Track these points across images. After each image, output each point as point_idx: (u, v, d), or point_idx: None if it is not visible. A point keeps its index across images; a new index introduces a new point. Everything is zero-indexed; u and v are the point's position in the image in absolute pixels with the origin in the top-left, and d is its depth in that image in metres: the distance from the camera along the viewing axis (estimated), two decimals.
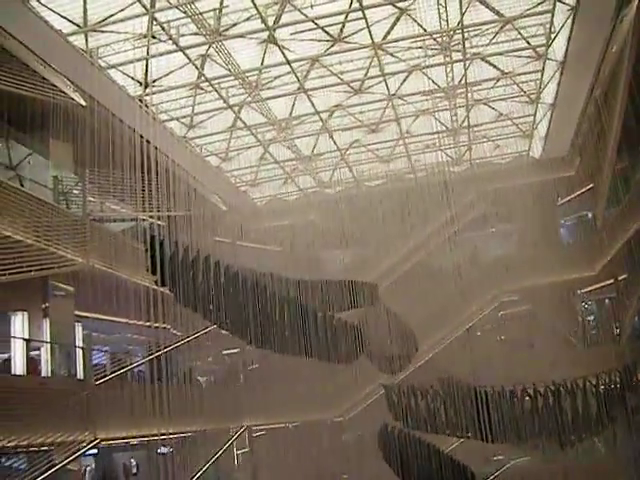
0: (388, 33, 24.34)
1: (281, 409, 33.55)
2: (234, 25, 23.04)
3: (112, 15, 22.47)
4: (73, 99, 24.79)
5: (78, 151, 25.70)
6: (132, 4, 22.10)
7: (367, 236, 36.14)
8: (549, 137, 33.52)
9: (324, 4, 22.31)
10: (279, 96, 27.78)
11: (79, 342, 27.16)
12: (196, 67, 24.45)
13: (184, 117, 29.11)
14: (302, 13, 22.49)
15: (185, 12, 21.73)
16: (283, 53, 23.84)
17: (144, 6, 21.17)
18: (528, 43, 25.88)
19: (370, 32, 23.25)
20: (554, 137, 33.16)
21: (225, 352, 37.96)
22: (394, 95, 28.14)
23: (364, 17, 22.36)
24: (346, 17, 23.56)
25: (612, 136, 27.68)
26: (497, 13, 23.91)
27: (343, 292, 24.04)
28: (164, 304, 26.37)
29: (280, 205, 38.02)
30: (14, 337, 24.04)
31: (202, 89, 26.79)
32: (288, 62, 24.35)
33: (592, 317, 40.67)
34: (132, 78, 25.29)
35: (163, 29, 22.28)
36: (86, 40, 23.35)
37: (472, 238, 38.81)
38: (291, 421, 35.70)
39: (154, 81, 25.86)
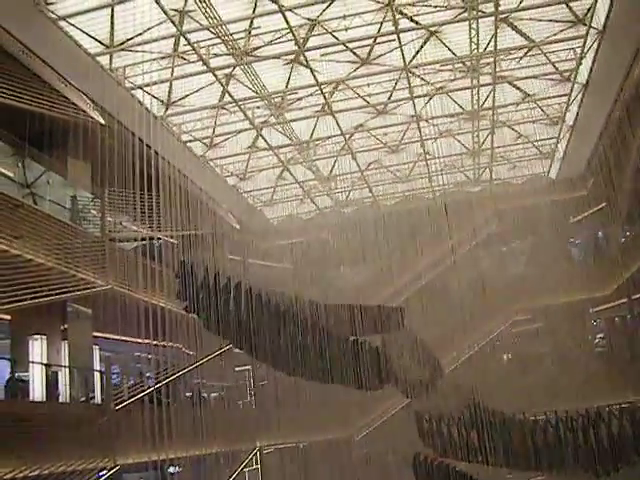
0: (416, 55, 24.11)
1: (293, 428, 33.21)
2: (262, 46, 22.71)
3: (139, 35, 22.12)
4: (92, 118, 24.35)
5: (96, 170, 25.41)
6: (159, 24, 21.80)
7: (380, 254, 35.89)
8: (566, 158, 33.43)
9: (357, 27, 22.00)
10: (303, 118, 27.45)
11: (97, 365, 26.77)
12: (224, 88, 24.20)
13: (205, 138, 28.74)
14: (334, 36, 22.25)
15: (216, 34, 21.35)
16: (314, 75, 23.57)
17: (176, 26, 20.76)
18: (555, 68, 25.81)
19: (403, 55, 23.00)
20: (571, 158, 33.10)
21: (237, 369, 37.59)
22: (417, 116, 27.86)
23: (398, 40, 22.11)
24: (374, 40, 23.38)
25: (632, 157, 27.65)
26: (526, 37, 23.75)
27: (370, 317, 23.72)
28: (175, 323, 26.34)
29: (294, 223, 37.80)
30: (33, 362, 23.50)
31: (225, 109, 26.44)
32: (318, 84, 24.09)
33: (601, 335, 40.51)
34: (155, 97, 24.93)
35: (194, 49, 21.97)
36: (110, 59, 22.97)
37: (485, 257, 38.68)
38: (304, 440, 35.29)
39: (176, 101, 25.57)
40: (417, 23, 22.27)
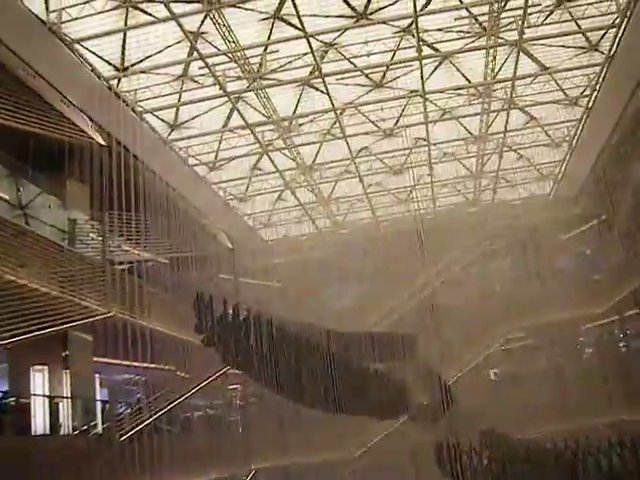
0: (427, 78, 23.91)
1: (288, 449, 32.66)
2: (277, 70, 22.32)
3: (148, 57, 21.54)
4: (92, 139, 23.61)
5: (96, 192, 24.73)
6: (168, 47, 21.25)
7: (376, 273, 35.75)
8: (564, 178, 33.71)
9: (377, 53, 21.72)
10: (310, 143, 27.30)
11: (98, 393, 26.03)
12: (238, 111, 23.68)
13: (210, 161, 28.26)
14: (350, 62, 22.01)
15: (233, 57, 20.88)
16: (330, 98, 23.19)
17: (196, 49, 20.22)
18: (565, 94, 25.85)
19: (423, 81, 22.77)
20: (569, 178, 33.31)
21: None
22: (428, 140, 27.74)
23: (421, 66, 21.86)
24: (387, 68, 23.16)
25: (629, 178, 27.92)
26: (540, 64, 23.74)
27: (385, 344, 23.44)
28: (169, 345, 25.78)
29: (289, 243, 37.53)
30: (35, 394, 22.61)
31: (232, 132, 25.97)
32: (333, 107, 23.71)
33: (590, 350, 40.83)
34: (162, 120, 24.32)
35: (211, 72, 21.49)
36: (118, 82, 22.30)
37: (478, 275, 38.78)
38: (300, 462, 34.76)
39: (183, 123, 25.05)
40: (437, 50, 22.08)
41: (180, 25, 18.95)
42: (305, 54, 21.27)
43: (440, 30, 21.24)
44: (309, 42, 20.14)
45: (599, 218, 34.53)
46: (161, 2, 18.18)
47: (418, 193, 33.22)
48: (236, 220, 33.42)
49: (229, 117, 25.32)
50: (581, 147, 30.02)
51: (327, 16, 20.38)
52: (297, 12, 18.55)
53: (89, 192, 25.46)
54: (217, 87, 22.75)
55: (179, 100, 23.90)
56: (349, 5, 20.18)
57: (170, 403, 27.52)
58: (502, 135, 28.14)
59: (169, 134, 25.46)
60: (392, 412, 21.61)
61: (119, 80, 22.25)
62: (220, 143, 27.01)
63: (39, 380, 23.01)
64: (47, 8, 18.96)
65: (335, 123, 26.12)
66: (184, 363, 29.82)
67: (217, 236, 33.05)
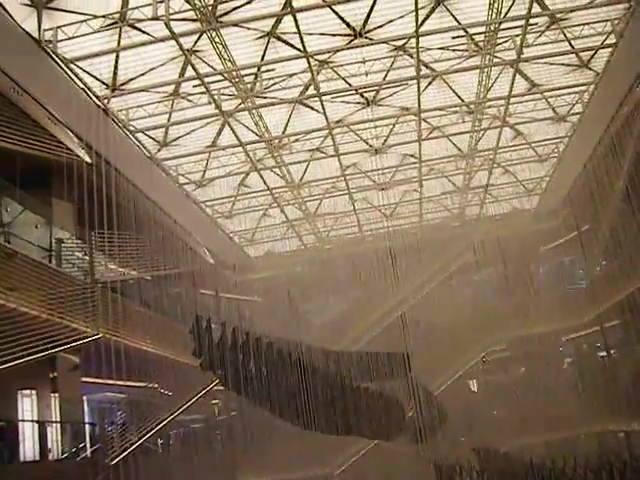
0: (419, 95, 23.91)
1: (272, 465, 32.37)
2: (271, 88, 22.16)
3: (141, 75, 21.21)
4: (79, 156, 23.14)
5: (82, 211, 24.29)
6: (161, 65, 20.95)
7: (356, 288, 35.76)
8: (548, 192, 34.06)
9: (373, 73, 21.72)
10: (299, 161, 27.14)
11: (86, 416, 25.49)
12: (231, 128, 23.36)
13: (199, 179, 28.06)
14: (346, 82, 21.96)
15: (228, 76, 20.67)
16: (326, 117, 23.03)
17: (193, 67, 19.97)
18: (555, 112, 26.13)
19: (419, 100, 22.77)
20: (552, 191, 33.61)
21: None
22: (419, 158, 27.84)
23: (418, 87, 21.88)
24: (381, 85, 23.14)
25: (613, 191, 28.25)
26: (531, 82, 23.93)
27: (379, 363, 23.32)
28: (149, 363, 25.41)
29: (272, 259, 37.41)
30: (23, 420, 21.99)
31: (221, 148, 25.73)
32: (329, 125, 23.57)
33: (569, 359, 41.23)
34: (152, 137, 23.94)
35: (207, 90, 21.29)
36: (108, 100, 21.89)
37: (459, 289, 39.04)
38: (285, 478, 34.44)
39: (172, 141, 24.71)
40: (433, 70, 22.12)
41: (180, 45, 18.64)
42: (303, 72, 21.07)
43: (440, 49, 21.24)
44: (309, 61, 20.00)
45: (579, 230, 34.96)
46: (158, 21, 17.87)
47: (404, 209, 33.31)
48: (220, 237, 33.11)
49: (219, 134, 25.07)
50: (565, 162, 30.38)
51: (322, 34, 20.24)
52: (299, 31, 18.35)
53: (73, 210, 25.19)
54: (208, 105, 22.58)
55: (169, 119, 23.51)
56: (346, 24, 20.07)
57: (157, 422, 27.12)
58: (491, 151, 28.20)
59: (158, 151, 25.06)
60: (392, 432, 21.45)
61: (108, 99, 21.78)
62: (208, 161, 26.68)
63: (27, 405, 22.43)
64: (39, 26, 18.50)
65: (324, 140, 26.04)
66: (167, 381, 29.48)
67: (198, 252, 32.77)
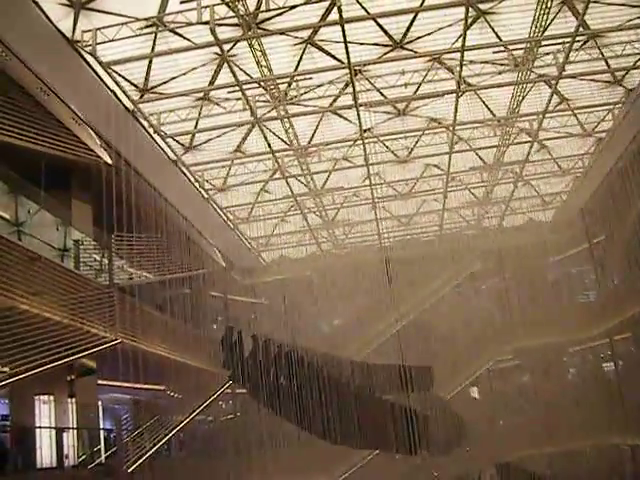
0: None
1: (273, 471, 32.07)
2: (301, 95, 21.84)
3: (173, 79, 20.81)
4: (100, 157, 22.74)
5: (101, 213, 23.91)
6: (193, 69, 20.56)
7: (366, 295, 35.56)
8: (565, 205, 34.20)
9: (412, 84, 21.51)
10: (328, 170, 26.79)
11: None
12: (264, 135, 22.95)
13: (218, 180, 27.74)
14: (379, 91, 21.75)
15: (263, 82, 20.34)
16: (361, 127, 22.75)
17: (234, 75, 19.62)
18: (583, 128, 25.94)
19: (455, 115, 22.50)
20: (569, 203, 33.66)
21: None
22: (434, 166, 27.65)
23: (456, 102, 21.64)
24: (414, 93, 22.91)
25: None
26: (562, 97, 23.77)
27: (402, 376, 23.09)
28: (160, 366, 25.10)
29: (285, 263, 37.34)
30: (40, 427, 21.49)
31: (249, 156, 25.45)
32: (362, 135, 23.25)
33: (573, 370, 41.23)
34: (177, 141, 23.53)
35: (245, 97, 20.90)
36: (137, 102, 21.42)
37: (468, 298, 38.99)
38: None
39: (198, 145, 24.35)
40: (469, 84, 21.91)
41: (223, 51, 18.32)
42: (340, 81, 20.74)
43: (484, 62, 21.02)
44: (350, 71, 19.70)
45: (590, 243, 34.98)
46: (195, 26, 17.55)
47: (424, 218, 33.21)
48: (235, 241, 33.06)
49: (244, 140, 24.75)
50: (586, 176, 30.35)
51: (362, 43, 19.94)
52: (345, 41, 18.01)
53: (92, 212, 24.81)
54: (236, 112, 22.28)
55: (196, 125, 23.14)
56: (387, 34, 19.78)
57: (171, 426, 26.75)
58: (515, 164, 28.06)
59: (183, 154, 24.68)
60: (415, 446, 21.22)
61: (137, 101, 21.33)
62: (230, 167, 26.34)
63: (45, 411, 21.99)
64: (75, 26, 18.06)
65: (350, 149, 25.82)
66: (179, 383, 29.15)
67: (212, 255, 32.49)
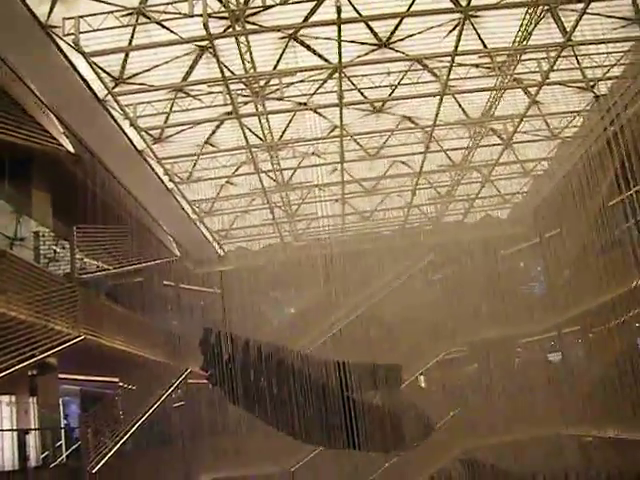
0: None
1: (227, 461, 31.91)
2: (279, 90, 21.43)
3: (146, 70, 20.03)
4: (62, 146, 21.80)
5: (62, 204, 23.08)
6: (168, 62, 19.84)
7: (320, 286, 35.47)
8: (521, 203, 34.85)
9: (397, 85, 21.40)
10: (299, 168, 26.84)
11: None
12: (242, 128, 22.35)
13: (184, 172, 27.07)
14: (361, 94, 21.52)
15: (246, 77, 19.84)
16: (342, 124, 22.44)
17: (221, 70, 19.00)
18: (550, 130, 26.30)
19: (437, 115, 22.35)
20: (528, 201, 34.38)
21: None
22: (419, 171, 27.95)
23: (440, 104, 21.62)
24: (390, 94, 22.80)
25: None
26: (535, 102, 24.00)
27: (369, 374, 23.10)
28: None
29: (242, 254, 36.87)
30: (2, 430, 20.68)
31: (214, 146, 24.90)
32: (342, 133, 22.90)
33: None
34: (146, 131, 22.69)
35: (228, 90, 20.28)
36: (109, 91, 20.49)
37: (419, 291, 39.37)
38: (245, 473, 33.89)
39: (169, 137, 23.62)
40: (451, 87, 21.90)
41: (213, 46, 17.75)
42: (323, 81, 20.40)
43: (474, 65, 21.17)
44: (340, 72, 19.40)
45: (541, 238, 35.81)
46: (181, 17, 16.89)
47: (388, 214, 33.33)
48: (194, 232, 32.53)
49: (213, 133, 24.22)
50: (544, 177, 30.99)
51: (352, 41, 19.60)
52: (339, 42, 17.66)
53: (52, 203, 23.90)
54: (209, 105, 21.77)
55: (167, 117, 22.40)
56: (373, 32, 19.53)
57: (132, 421, 26.16)
58: (483, 164, 28.37)
59: (153, 144, 23.90)
60: (392, 445, 21.32)
61: (111, 91, 20.43)
62: (197, 159, 25.69)
63: (6, 412, 21.22)
64: (50, 11, 17.10)
65: (321, 144, 25.58)
66: (132, 376, 28.56)
67: (166, 244, 31.88)
